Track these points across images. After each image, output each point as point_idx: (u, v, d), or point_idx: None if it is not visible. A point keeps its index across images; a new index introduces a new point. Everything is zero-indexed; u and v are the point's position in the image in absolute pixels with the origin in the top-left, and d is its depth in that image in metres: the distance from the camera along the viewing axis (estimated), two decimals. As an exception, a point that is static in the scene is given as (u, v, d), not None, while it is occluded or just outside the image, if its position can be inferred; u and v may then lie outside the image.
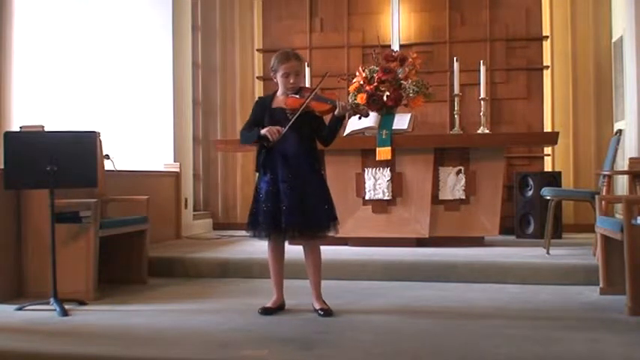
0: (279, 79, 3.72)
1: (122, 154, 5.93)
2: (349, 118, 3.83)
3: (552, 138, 5.84)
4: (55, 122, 5.58)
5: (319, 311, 3.67)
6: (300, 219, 3.61)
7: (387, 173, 5.70)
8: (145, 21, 6.70)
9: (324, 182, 3.79)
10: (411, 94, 5.86)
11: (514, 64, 7.23)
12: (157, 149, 6.59)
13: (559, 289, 4.38)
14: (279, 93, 3.77)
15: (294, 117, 3.59)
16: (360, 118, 3.83)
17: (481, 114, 6.13)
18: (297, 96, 3.66)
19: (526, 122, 7.18)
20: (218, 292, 4.47)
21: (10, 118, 5.52)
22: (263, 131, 3.60)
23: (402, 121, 5.76)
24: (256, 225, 3.70)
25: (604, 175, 4.97)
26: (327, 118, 3.75)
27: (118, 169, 5.68)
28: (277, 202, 3.64)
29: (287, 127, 3.58)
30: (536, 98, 7.20)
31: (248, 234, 3.76)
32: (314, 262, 3.77)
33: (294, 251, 3.91)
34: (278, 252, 3.81)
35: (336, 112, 3.63)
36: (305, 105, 3.59)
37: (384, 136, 5.61)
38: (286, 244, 3.85)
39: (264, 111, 3.74)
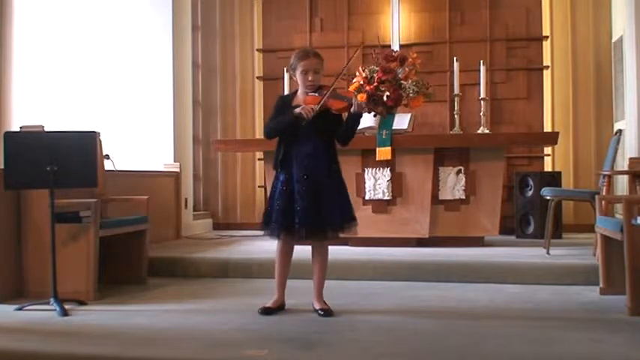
0: (297, 76, 3.70)
1: (122, 154, 5.93)
2: (370, 113, 3.78)
3: (552, 138, 5.85)
4: (55, 122, 5.58)
5: (319, 311, 3.66)
6: (313, 220, 3.59)
7: (387, 173, 5.70)
8: (145, 21, 6.70)
9: (342, 182, 3.73)
10: (411, 94, 5.86)
11: (514, 64, 7.23)
12: (157, 149, 6.59)
13: (559, 289, 4.38)
14: (299, 92, 3.75)
15: (322, 100, 3.55)
16: (375, 115, 3.80)
17: (481, 114, 6.14)
18: (317, 94, 3.63)
19: (526, 122, 7.18)
20: (218, 292, 4.47)
21: (10, 118, 5.52)
22: (297, 110, 3.57)
23: (402, 121, 5.76)
24: (269, 224, 3.68)
25: (604, 175, 4.97)
26: (344, 117, 3.73)
27: (118, 169, 5.69)
28: (291, 202, 3.62)
29: (318, 106, 3.55)
30: (536, 98, 7.20)
31: (262, 233, 3.75)
32: (320, 263, 3.76)
33: (294, 251, 3.90)
34: (287, 252, 3.79)
35: (352, 110, 3.62)
36: (323, 102, 3.58)
37: (384, 136, 5.61)
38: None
39: (285, 109, 3.71)
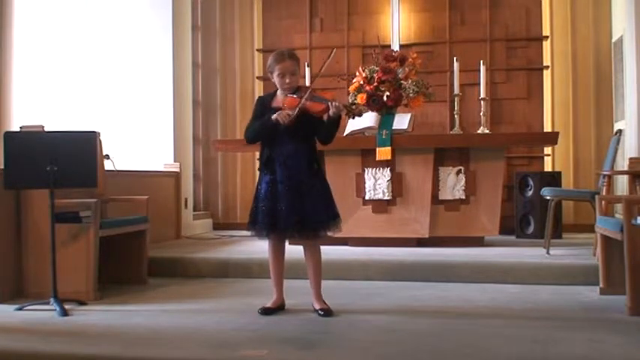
0: (275, 79, 3.73)
1: (122, 154, 5.92)
2: (348, 118, 3.81)
3: (552, 138, 5.85)
4: (55, 122, 5.58)
5: (319, 311, 3.67)
6: (297, 220, 3.61)
7: (387, 173, 5.70)
8: (145, 21, 6.70)
9: (324, 182, 3.78)
10: (411, 94, 5.86)
11: (514, 64, 7.23)
12: (157, 149, 6.59)
13: (559, 289, 4.38)
14: (278, 92, 3.78)
15: (299, 104, 3.58)
16: (353, 117, 3.81)
17: (481, 114, 6.14)
18: (295, 95, 3.66)
19: (526, 122, 7.18)
20: (218, 292, 4.47)
21: (10, 118, 5.51)
22: (274, 116, 3.60)
23: (402, 121, 5.76)
24: (256, 224, 3.71)
25: (604, 175, 4.97)
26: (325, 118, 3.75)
27: (118, 169, 5.68)
28: (276, 203, 3.65)
29: (295, 112, 3.58)
30: (536, 98, 7.20)
31: (249, 233, 3.77)
32: (314, 263, 3.77)
33: (294, 251, 3.92)
34: (278, 252, 3.81)
35: (330, 113, 3.63)
36: (300, 105, 3.60)
37: (384, 136, 5.61)
38: (286, 243, 3.85)
39: (264, 110, 3.75)
